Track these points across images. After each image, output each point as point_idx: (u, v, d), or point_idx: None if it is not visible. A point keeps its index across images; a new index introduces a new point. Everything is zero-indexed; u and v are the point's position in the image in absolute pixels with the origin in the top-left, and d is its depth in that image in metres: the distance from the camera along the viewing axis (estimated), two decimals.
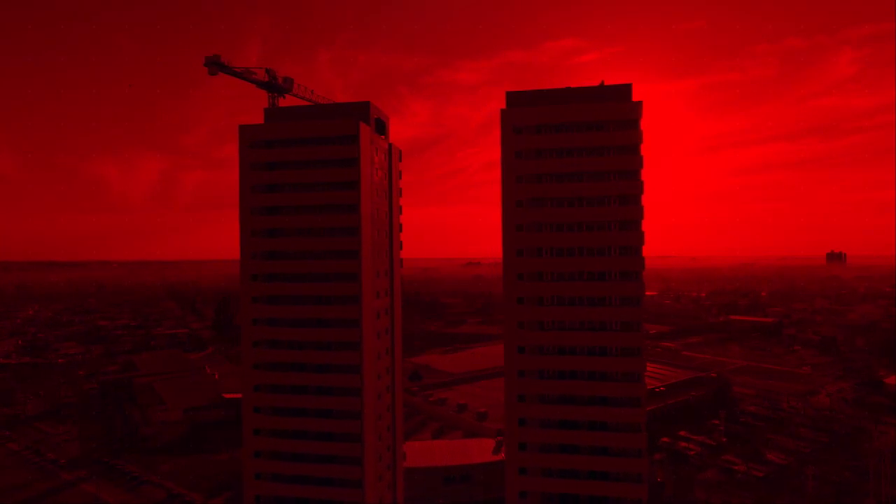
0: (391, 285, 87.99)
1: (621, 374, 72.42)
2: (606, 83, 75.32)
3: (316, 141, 78.97)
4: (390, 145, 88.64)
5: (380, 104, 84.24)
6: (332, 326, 77.73)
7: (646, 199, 72.10)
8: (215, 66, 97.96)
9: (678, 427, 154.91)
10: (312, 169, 78.49)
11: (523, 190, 74.21)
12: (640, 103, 72.23)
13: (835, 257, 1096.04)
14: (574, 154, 73.71)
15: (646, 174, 72.09)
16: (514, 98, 76.73)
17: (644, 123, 72.44)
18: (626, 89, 74.28)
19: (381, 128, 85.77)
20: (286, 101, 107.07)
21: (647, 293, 73.48)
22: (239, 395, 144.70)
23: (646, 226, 72.27)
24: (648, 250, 72.13)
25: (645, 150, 71.96)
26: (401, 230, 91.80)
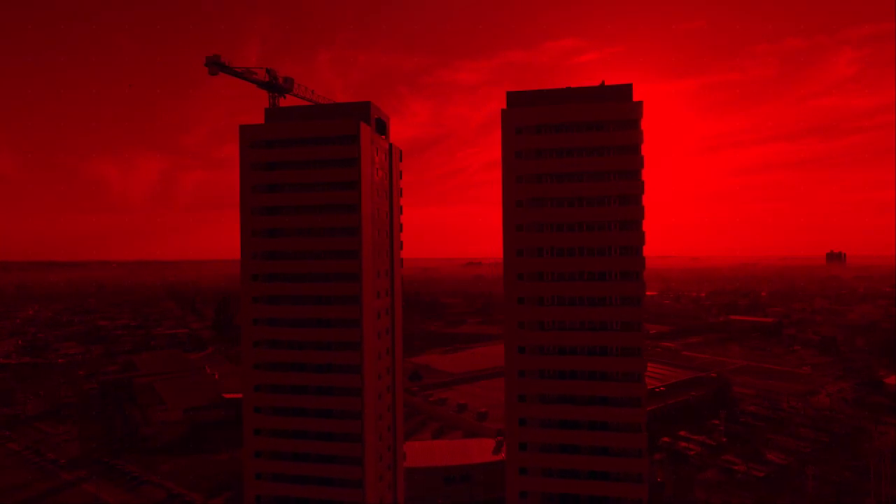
0: (392, 285, 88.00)
1: (622, 374, 72.42)
2: (606, 83, 75.32)
3: (316, 141, 78.98)
4: (391, 145, 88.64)
5: (380, 104, 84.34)
6: (332, 326, 77.72)
7: (646, 199, 72.11)
8: (216, 66, 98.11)
9: (678, 427, 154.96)
10: (313, 169, 78.49)
11: (524, 190, 74.22)
12: (640, 103, 72.24)
13: (835, 257, 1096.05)
14: (574, 154, 73.71)
15: (646, 174, 72.12)
16: (514, 98, 76.75)
17: (644, 123, 72.46)
18: (626, 89, 74.30)
19: (381, 128, 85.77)
20: (287, 101, 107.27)
21: (648, 293, 73.48)
22: (239, 395, 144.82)
23: (646, 226, 72.29)
24: (648, 250, 72.16)
25: (645, 150, 72.02)
26: (401, 230, 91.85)
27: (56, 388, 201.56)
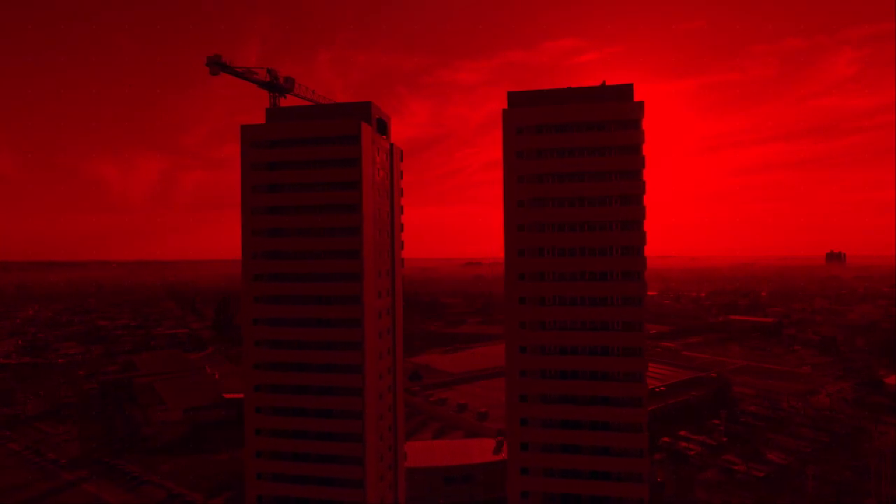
0: (393, 285, 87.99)
1: (623, 374, 72.45)
2: (607, 83, 75.38)
3: (317, 141, 78.98)
4: (392, 145, 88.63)
5: (379, 104, 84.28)
6: (333, 326, 77.73)
7: (646, 199, 72.05)
8: (217, 66, 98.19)
9: (678, 427, 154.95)
10: (314, 169, 78.49)
11: (525, 190, 74.24)
12: (641, 103, 72.25)
13: (834, 257, 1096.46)
14: (575, 154, 73.71)
15: (646, 174, 72.04)
16: (515, 98, 76.76)
17: (644, 123, 72.41)
18: (627, 89, 74.31)
19: (382, 128, 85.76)
20: (287, 101, 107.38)
21: (648, 293, 73.53)
22: (239, 395, 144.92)
23: (646, 226, 72.23)
24: (648, 250, 71.99)
25: (645, 150, 71.99)
26: (402, 230, 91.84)
27: (56, 388, 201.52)
